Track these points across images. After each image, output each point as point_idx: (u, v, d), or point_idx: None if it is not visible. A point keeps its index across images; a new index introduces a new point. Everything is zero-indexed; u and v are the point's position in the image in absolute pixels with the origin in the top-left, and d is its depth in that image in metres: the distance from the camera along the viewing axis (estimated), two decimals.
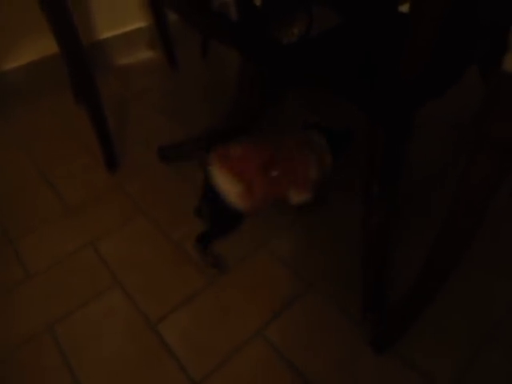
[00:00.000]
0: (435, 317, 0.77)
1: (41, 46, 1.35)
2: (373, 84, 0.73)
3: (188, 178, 1.06)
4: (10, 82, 1.36)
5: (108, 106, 1.05)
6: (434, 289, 0.67)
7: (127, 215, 0.98)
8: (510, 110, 0.43)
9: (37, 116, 1.30)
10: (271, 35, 0.90)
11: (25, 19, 1.30)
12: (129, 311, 0.80)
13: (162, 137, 1.20)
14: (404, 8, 0.88)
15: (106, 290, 0.83)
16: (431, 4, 0.47)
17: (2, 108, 1.32)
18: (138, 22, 1.58)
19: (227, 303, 0.81)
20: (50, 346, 0.75)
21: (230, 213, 0.80)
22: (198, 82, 1.46)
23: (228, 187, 0.77)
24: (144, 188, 1.05)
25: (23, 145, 1.20)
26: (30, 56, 1.37)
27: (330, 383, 0.70)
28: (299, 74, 0.89)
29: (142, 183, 1.06)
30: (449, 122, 1.19)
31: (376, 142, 0.74)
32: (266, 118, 1.20)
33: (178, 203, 1.00)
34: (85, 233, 0.94)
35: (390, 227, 0.76)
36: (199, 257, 0.86)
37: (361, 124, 0.74)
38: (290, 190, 0.85)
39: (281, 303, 0.81)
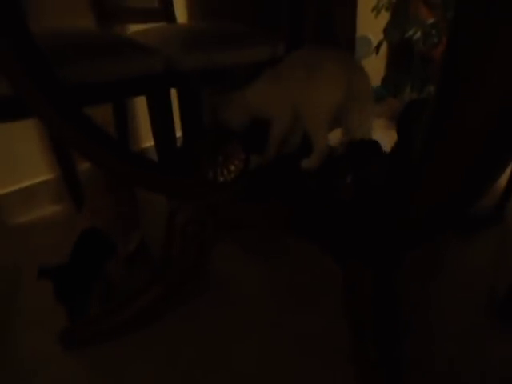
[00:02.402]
0: None
1: None
2: (349, 220, 0.59)
3: (106, 368, 0.76)
4: None
5: None
6: None
7: None
8: None
9: None
10: (204, 175, 0.76)
11: None
12: None
13: None
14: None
15: None
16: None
17: None
18: (40, 174, 1.39)
19: None
20: None
21: None
22: None
23: None
24: None
25: None
26: None
27: None
28: (249, 215, 0.74)
29: None
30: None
31: (362, 290, 0.57)
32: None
33: None
34: None
35: None
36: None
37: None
38: None
39: None
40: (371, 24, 2.19)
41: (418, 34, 1.96)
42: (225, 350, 0.80)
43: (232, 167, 0.77)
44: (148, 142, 1.73)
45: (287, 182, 0.78)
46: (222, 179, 0.76)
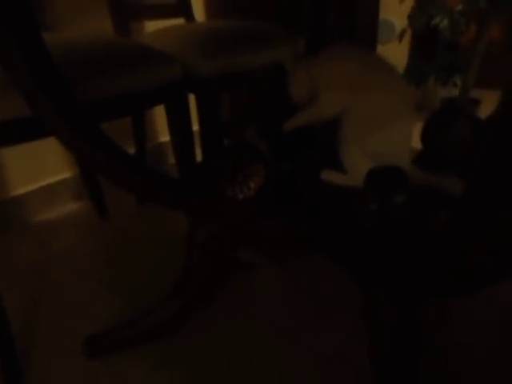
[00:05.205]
0: None
1: None
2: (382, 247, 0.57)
3: (127, 378, 0.78)
4: None
5: (15, 277, 0.78)
6: None
7: None
8: None
9: None
10: (223, 193, 0.75)
11: None
12: None
13: (91, 318, 0.93)
14: None
15: None
16: None
17: None
18: (61, 173, 1.40)
19: None
20: None
21: None
22: (133, 237, 1.25)
23: None
24: None
25: None
26: None
27: None
28: (268, 234, 0.73)
29: None
30: None
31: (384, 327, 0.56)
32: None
33: None
34: None
35: None
36: None
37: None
38: None
39: None
40: (395, 9, 2.09)
41: (445, 22, 1.87)
42: (241, 364, 0.81)
43: (252, 184, 0.76)
44: (164, 136, 1.72)
45: (308, 199, 0.77)
46: (241, 196, 0.75)
